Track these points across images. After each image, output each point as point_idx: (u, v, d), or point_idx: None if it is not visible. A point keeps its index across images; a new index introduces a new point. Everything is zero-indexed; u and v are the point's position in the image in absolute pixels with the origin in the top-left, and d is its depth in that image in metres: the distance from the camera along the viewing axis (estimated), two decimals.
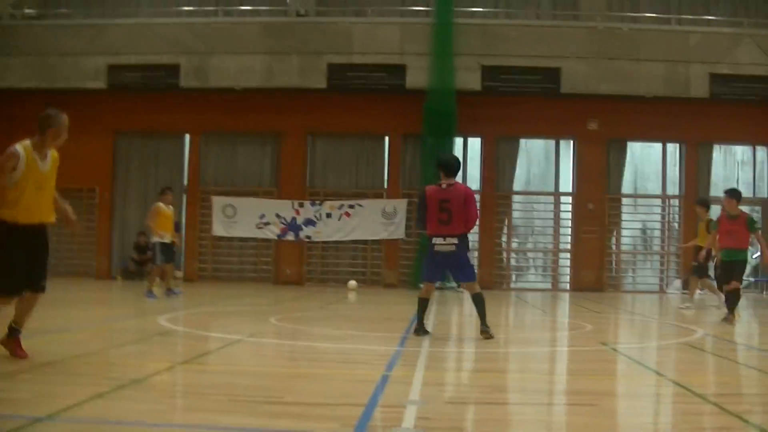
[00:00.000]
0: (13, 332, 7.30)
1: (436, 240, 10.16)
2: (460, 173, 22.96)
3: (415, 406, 5.77)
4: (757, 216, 25.97)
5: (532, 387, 7.25)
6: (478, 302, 10.18)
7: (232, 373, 7.50)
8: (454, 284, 21.48)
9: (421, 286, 10.70)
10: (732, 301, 13.24)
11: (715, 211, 18.27)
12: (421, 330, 10.26)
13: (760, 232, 13.47)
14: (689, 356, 9.72)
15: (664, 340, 11.73)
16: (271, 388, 6.56)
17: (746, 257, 13.56)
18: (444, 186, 10.20)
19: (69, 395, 5.68)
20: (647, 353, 10.06)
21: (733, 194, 13.56)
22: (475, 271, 11.80)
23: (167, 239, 16.70)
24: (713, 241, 14.41)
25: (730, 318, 13.14)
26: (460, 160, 11.39)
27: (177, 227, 18.41)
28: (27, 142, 7.23)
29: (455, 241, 10.07)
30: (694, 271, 17.55)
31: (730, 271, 13.40)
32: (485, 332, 10.08)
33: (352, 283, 23.05)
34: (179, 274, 22.80)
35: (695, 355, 9.77)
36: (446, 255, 10.14)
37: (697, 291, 18.13)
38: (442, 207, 10.08)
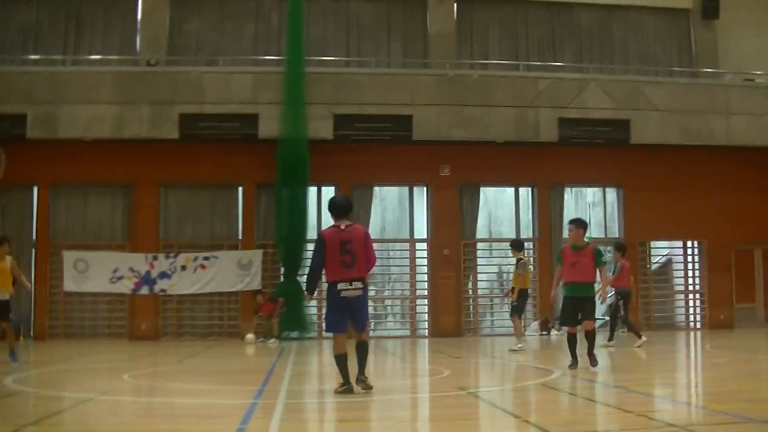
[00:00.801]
0: None
1: (341, 286, 10.09)
2: (315, 221, 25.23)
3: None
4: (609, 256, 28.57)
5: None
6: (363, 350, 10.41)
7: None
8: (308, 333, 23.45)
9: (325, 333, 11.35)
10: (590, 342, 13.14)
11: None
12: (347, 388, 10.23)
13: (606, 267, 13.88)
14: (546, 396, 10.37)
15: (522, 382, 12.50)
16: None
17: (593, 292, 13.38)
18: (343, 227, 10.27)
19: None
20: (505, 396, 10.73)
21: (579, 224, 13.60)
22: None
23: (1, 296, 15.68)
24: (558, 275, 13.87)
25: (593, 361, 13.16)
26: (350, 200, 11.37)
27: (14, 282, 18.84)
28: None
29: (360, 285, 10.20)
30: (512, 311, 19.14)
31: (577, 308, 13.08)
32: (363, 382, 10.24)
33: (250, 336, 24.21)
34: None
35: (552, 395, 10.38)
36: (352, 301, 10.19)
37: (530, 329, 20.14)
38: (343, 249, 10.08)
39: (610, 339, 19.93)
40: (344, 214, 10.47)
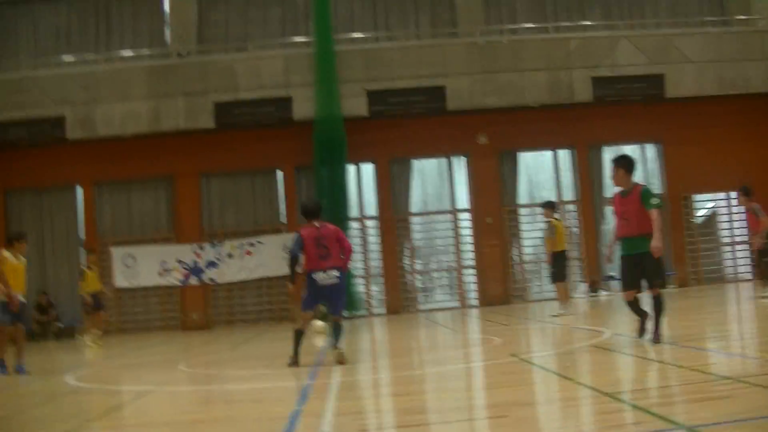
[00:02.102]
0: None
1: (317, 275, 11.54)
2: (356, 199, 25.46)
3: None
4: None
5: (445, 406, 7.74)
6: (338, 330, 11.81)
7: (143, 425, 7.92)
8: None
9: (305, 318, 12.12)
10: (656, 311, 10.81)
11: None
12: (295, 361, 11.56)
13: (657, 211, 10.71)
14: (597, 358, 10.36)
15: (572, 345, 12.47)
16: None
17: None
18: (318, 225, 11.76)
19: None
20: (555, 359, 10.73)
21: (620, 162, 11.09)
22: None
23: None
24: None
25: (657, 335, 10.72)
26: (319, 202, 12.99)
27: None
28: None
29: (337, 273, 11.62)
30: (552, 278, 19.09)
31: (634, 268, 10.79)
32: (340, 354, 11.50)
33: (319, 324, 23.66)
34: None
35: (603, 356, 10.28)
36: (329, 287, 11.59)
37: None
38: (319, 243, 11.59)
39: None
40: (316, 216, 11.97)
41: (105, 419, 8.34)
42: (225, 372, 12.67)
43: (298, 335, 11.70)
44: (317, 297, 11.82)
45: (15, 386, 12.26)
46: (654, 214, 10.63)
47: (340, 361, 11.46)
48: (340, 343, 11.77)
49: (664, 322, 10.68)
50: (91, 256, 20.82)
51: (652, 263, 10.63)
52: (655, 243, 10.48)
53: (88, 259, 20.43)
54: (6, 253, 14.22)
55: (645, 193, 10.76)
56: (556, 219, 19.02)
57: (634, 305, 11.01)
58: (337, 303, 11.94)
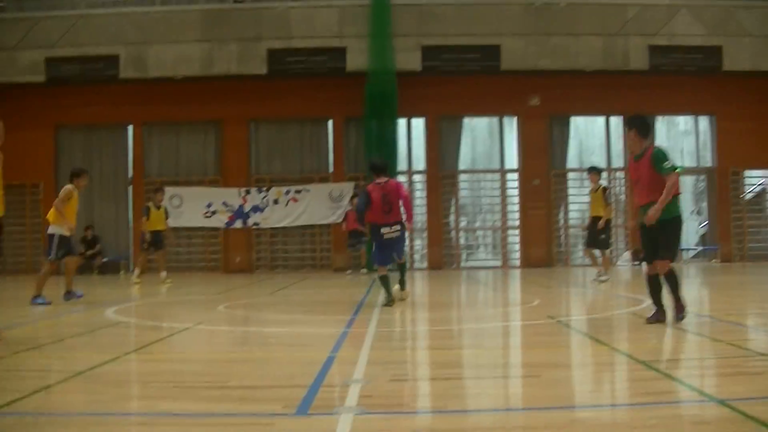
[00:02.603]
0: None
1: (384, 229, 12.79)
2: (405, 154, 25.52)
3: (358, 384, 6.17)
4: (701, 185, 28.41)
5: (476, 362, 7.78)
6: (403, 269, 13.54)
7: (178, 360, 7.99)
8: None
9: (375, 267, 13.50)
10: (670, 286, 9.53)
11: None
12: (390, 301, 12.65)
13: (672, 175, 9.31)
14: (634, 325, 10.14)
15: (610, 311, 12.29)
16: (215, 374, 7.00)
17: (669, 214, 9.39)
18: (381, 183, 12.84)
19: (14, 389, 6.04)
20: (593, 324, 10.57)
21: (633, 122, 9.95)
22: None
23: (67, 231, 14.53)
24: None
25: (679, 310, 9.56)
26: (386, 161, 13.80)
27: None
28: None
29: (398, 227, 12.81)
30: (592, 244, 18.40)
31: (649, 239, 9.66)
32: (402, 290, 13.43)
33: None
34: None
35: (640, 324, 9.88)
36: (393, 240, 12.87)
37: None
38: (384, 200, 12.71)
39: None
40: (383, 172, 13.04)
41: (141, 352, 8.48)
42: (263, 315, 12.79)
43: (385, 280, 12.86)
44: (387, 249, 13.00)
45: (57, 316, 12.43)
46: (671, 178, 9.29)
47: (403, 298, 13.37)
48: (404, 285, 13.52)
49: (683, 295, 9.61)
50: (159, 194, 20.78)
51: (665, 233, 9.45)
52: (652, 211, 9.26)
53: (156, 197, 20.48)
54: (70, 187, 14.55)
55: (655, 156, 9.44)
56: (602, 186, 18.38)
57: (654, 284, 9.67)
58: (400, 250, 13.22)
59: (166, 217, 20.55)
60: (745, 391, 5.74)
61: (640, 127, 9.78)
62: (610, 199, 18.44)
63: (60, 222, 14.26)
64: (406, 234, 13.25)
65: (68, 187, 14.58)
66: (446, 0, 26.88)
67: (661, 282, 9.53)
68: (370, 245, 23.50)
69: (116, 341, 9.44)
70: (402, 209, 12.91)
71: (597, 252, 18.47)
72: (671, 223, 9.44)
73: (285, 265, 27.11)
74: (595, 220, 17.92)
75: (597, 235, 17.89)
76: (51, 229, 14.43)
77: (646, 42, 26.10)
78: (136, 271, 20.84)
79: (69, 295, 14.57)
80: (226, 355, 8.39)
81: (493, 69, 26.09)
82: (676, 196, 9.48)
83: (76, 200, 14.67)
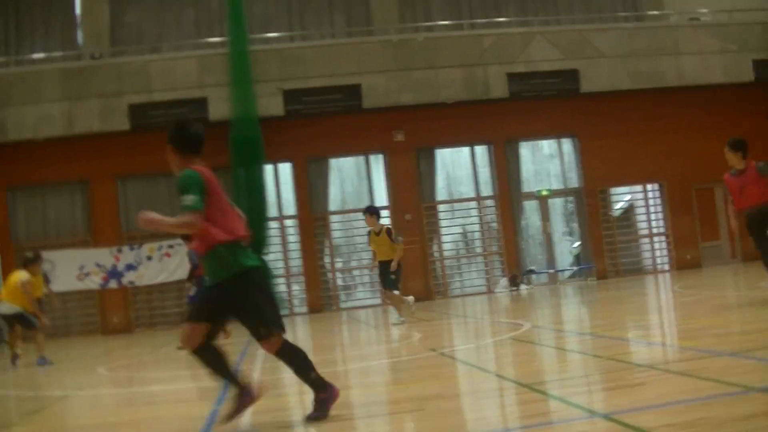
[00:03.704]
0: None
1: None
2: (274, 199, 25.49)
3: None
4: (571, 206, 29.22)
5: (360, 401, 7.77)
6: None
7: (62, 429, 7.96)
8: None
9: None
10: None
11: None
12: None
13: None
14: (516, 350, 10.57)
15: (491, 338, 12.76)
16: None
17: None
18: None
19: None
20: (474, 353, 10.92)
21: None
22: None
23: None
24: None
25: None
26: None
27: None
28: None
29: None
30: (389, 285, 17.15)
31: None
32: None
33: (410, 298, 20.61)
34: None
35: (522, 347, 10.50)
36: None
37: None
38: None
39: None
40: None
41: (23, 425, 8.33)
42: (146, 374, 12.71)
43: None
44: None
45: None
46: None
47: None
48: None
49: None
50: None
51: None
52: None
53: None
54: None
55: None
56: (385, 227, 17.16)
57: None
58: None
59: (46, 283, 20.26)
60: (627, 403, 5.96)
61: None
62: (397, 240, 17.16)
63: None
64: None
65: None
66: (305, 43, 27.32)
67: None
68: None
69: None
70: None
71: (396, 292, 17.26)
72: None
73: (165, 322, 26.75)
74: (383, 264, 16.78)
75: (388, 276, 16.77)
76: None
77: (504, 70, 26.83)
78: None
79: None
80: (110, 419, 8.23)
81: (356, 108, 26.47)
82: None
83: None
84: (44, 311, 20.22)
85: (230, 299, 6.44)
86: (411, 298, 18.18)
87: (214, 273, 6.54)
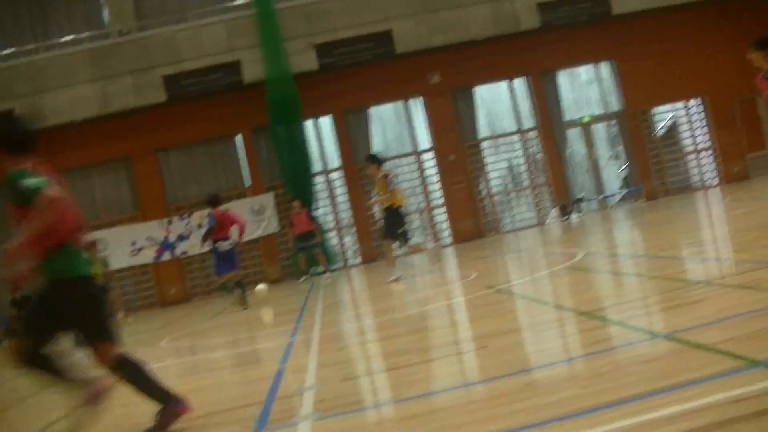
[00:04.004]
0: None
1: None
2: (318, 154, 25.52)
3: (311, 391, 6.27)
4: (614, 130, 28.96)
5: (423, 345, 7.88)
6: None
7: (132, 404, 8.10)
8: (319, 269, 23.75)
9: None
10: None
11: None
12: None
13: None
14: (572, 279, 10.59)
15: (546, 270, 12.74)
16: None
17: None
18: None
19: None
20: (531, 286, 10.93)
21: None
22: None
23: None
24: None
25: None
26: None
27: None
28: None
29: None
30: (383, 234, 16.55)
31: None
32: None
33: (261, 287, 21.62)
34: None
35: (577, 276, 10.57)
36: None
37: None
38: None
39: None
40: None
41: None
42: (208, 341, 12.77)
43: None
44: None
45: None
46: None
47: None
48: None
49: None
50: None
51: None
52: None
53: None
54: None
55: None
56: (384, 174, 16.08)
57: None
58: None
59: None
60: (687, 321, 5.96)
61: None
62: (391, 186, 15.87)
63: None
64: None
65: None
66: None
67: None
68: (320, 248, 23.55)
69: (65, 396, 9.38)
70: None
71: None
72: None
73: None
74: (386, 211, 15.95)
75: (386, 225, 16.12)
76: None
77: (533, 0, 26.42)
78: None
79: None
80: (177, 388, 8.22)
81: (388, 55, 26.39)
82: None
83: None
84: (111, 291, 20.77)
85: (60, 305, 5.83)
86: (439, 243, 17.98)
87: (45, 276, 5.82)
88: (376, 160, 16.00)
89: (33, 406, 8.97)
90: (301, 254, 23.59)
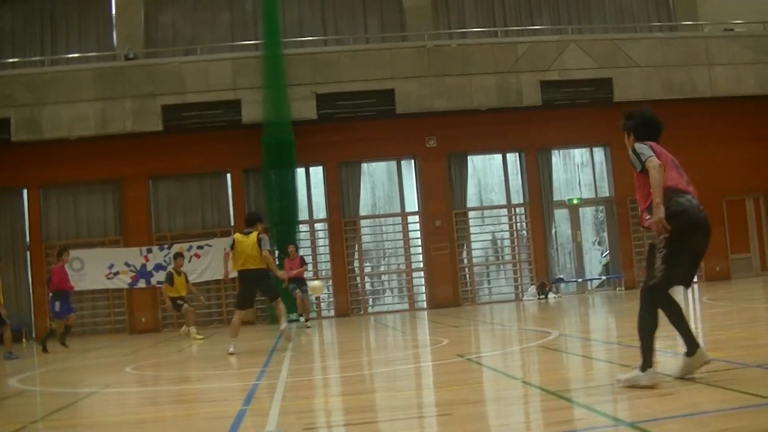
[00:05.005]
0: None
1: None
2: (305, 202, 25.60)
3: None
4: (601, 215, 29.22)
5: (388, 405, 7.88)
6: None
7: (87, 426, 7.95)
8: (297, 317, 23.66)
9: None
10: None
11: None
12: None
13: None
14: (543, 357, 10.64)
15: (518, 345, 12.81)
16: None
17: None
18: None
19: None
20: (501, 359, 10.95)
21: None
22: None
23: None
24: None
25: None
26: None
27: None
28: None
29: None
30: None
31: None
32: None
33: (316, 283, 22.48)
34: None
35: (549, 355, 10.59)
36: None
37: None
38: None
39: None
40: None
41: (50, 420, 8.39)
42: (173, 373, 12.79)
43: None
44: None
45: None
46: None
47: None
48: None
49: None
50: (180, 259, 21.64)
51: None
52: None
53: (177, 263, 21.30)
54: None
55: None
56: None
57: None
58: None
59: (187, 281, 21.68)
60: (654, 412, 6.01)
61: None
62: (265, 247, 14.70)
63: None
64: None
65: None
66: (339, 47, 27.49)
67: None
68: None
69: (20, 411, 9.38)
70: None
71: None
72: None
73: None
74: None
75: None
76: None
77: (537, 78, 26.91)
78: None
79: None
80: (136, 417, 8.33)
81: (389, 113, 26.66)
82: None
83: None
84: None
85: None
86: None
87: None
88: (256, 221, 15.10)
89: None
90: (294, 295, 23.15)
